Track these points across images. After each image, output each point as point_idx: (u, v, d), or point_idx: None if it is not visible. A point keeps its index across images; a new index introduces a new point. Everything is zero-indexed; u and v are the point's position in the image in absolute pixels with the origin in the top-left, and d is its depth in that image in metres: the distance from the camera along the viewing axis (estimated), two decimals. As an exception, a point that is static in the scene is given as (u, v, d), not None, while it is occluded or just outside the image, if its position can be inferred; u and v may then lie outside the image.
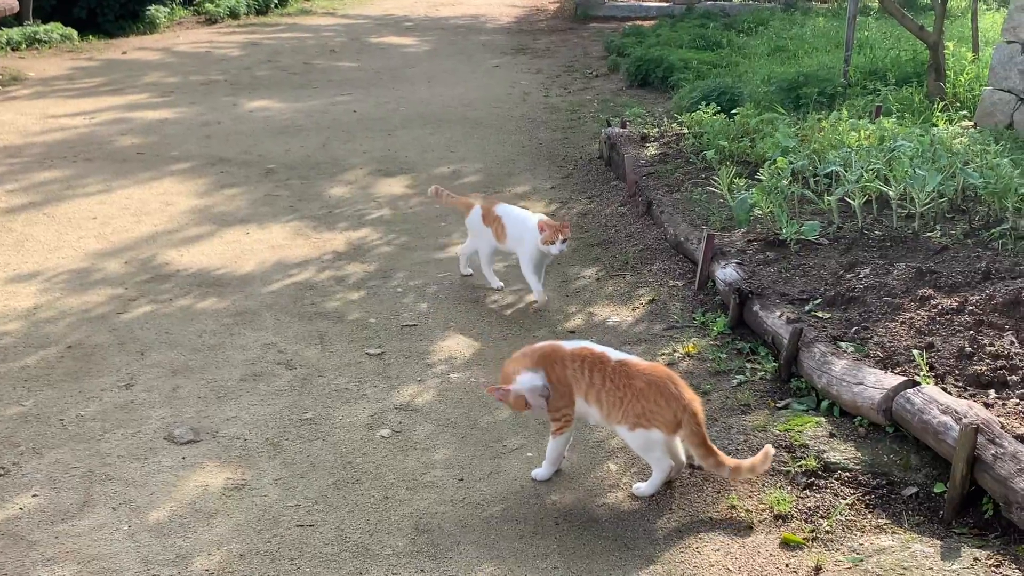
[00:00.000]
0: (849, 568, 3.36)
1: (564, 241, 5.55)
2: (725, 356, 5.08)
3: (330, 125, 10.83)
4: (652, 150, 8.65)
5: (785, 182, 6.54)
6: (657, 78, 12.30)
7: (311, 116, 11.23)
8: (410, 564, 3.55)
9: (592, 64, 14.58)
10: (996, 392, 4.22)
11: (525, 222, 5.81)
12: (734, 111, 8.75)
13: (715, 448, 3.78)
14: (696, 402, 3.79)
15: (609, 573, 3.46)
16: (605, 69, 14.01)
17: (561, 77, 13.73)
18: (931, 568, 3.28)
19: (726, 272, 5.74)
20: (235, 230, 7.44)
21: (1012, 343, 4.59)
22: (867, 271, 5.53)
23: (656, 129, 9.27)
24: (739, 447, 4.19)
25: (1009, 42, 8.74)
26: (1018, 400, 4.12)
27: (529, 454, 4.26)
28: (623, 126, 9.32)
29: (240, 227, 7.51)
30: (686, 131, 8.93)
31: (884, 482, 3.85)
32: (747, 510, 3.76)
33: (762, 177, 6.67)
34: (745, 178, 7.14)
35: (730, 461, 3.77)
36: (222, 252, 6.95)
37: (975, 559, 3.31)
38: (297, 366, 5.16)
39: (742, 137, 8.20)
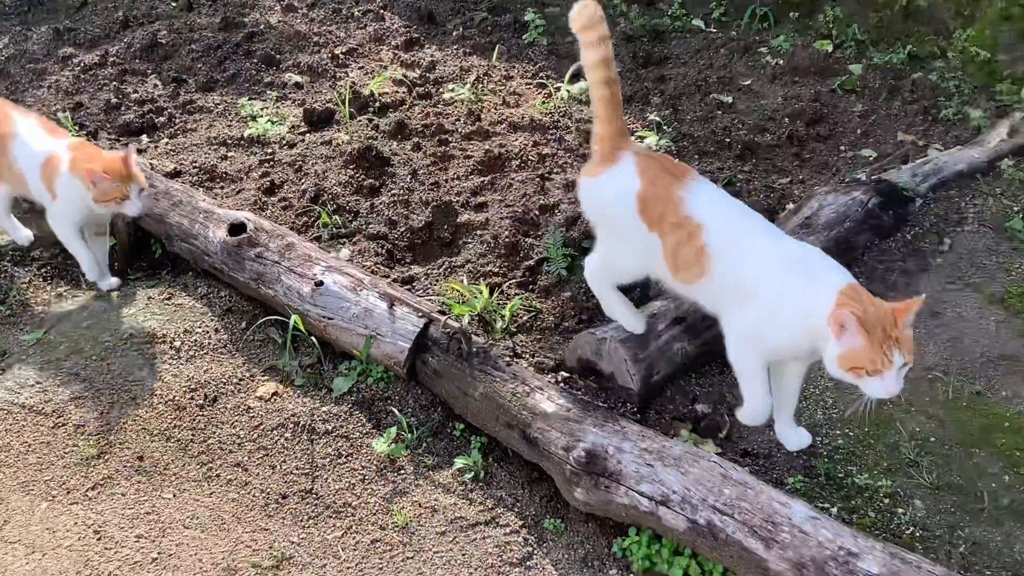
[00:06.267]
0: None
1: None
2: None
3: None
4: None
5: None
6: None
7: None
8: None
9: None
10: (148, 136, 4.37)
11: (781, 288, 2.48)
12: None
13: None
14: None
15: None
16: None
17: None
18: (112, 319, 3.40)
19: None
20: None
21: (156, 86, 4.74)
22: (6, 40, 5.21)
23: None
24: None
25: None
26: (168, 139, 4.32)
27: None
28: None
29: None
30: None
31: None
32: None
33: None
34: None
35: None
36: None
37: (149, 298, 3.50)
38: None
39: None
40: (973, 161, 3.92)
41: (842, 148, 4.19)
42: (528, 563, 2.64)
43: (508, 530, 2.72)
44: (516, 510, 2.78)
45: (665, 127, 4.32)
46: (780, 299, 2.42)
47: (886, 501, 2.63)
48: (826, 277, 2.40)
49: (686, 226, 2.53)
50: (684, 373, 3.06)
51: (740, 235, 2.52)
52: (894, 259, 3.50)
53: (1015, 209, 3.68)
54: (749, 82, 4.71)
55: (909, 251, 3.54)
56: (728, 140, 4.22)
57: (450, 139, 4.19)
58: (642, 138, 4.16)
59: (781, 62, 4.81)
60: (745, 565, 2.41)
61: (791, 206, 3.70)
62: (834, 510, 2.59)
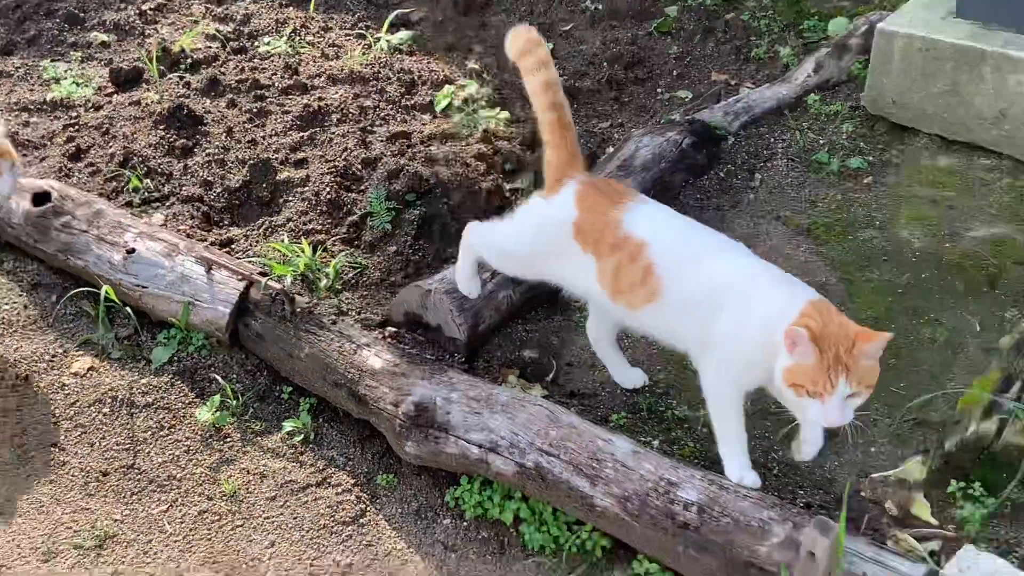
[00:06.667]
0: None
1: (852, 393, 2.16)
2: None
3: None
4: None
5: None
6: None
7: None
8: None
9: None
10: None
11: (748, 295, 2.34)
12: None
13: None
14: None
15: None
16: None
17: None
18: (-93, 300, 3.21)
19: None
20: None
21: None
22: None
23: None
24: None
25: None
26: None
27: None
28: None
29: None
30: None
31: None
32: None
33: None
34: None
35: None
36: None
37: (-51, 276, 3.32)
38: None
39: None
40: (782, 97, 4.06)
41: (659, 90, 4.28)
42: (361, 520, 2.63)
43: (340, 489, 2.71)
44: (348, 469, 2.77)
45: (486, 75, 4.31)
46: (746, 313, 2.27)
47: (704, 431, 2.71)
48: (795, 290, 2.29)
49: (625, 246, 2.39)
50: (511, 320, 3.09)
51: (695, 252, 2.39)
52: (709, 196, 3.60)
53: (821, 142, 3.83)
54: (569, 27, 4.73)
55: (722, 188, 3.65)
56: (549, 86, 4.24)
57: (267, 94, 4.07)
58: (463, 87, 4.14)
59: (600, 7, 4.84)
60: (573, 503, 2.46)
61: (611, 150, 3.76)
62: (656, 443, 2.67)
